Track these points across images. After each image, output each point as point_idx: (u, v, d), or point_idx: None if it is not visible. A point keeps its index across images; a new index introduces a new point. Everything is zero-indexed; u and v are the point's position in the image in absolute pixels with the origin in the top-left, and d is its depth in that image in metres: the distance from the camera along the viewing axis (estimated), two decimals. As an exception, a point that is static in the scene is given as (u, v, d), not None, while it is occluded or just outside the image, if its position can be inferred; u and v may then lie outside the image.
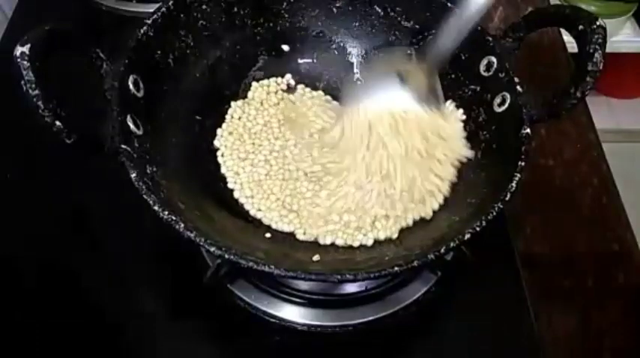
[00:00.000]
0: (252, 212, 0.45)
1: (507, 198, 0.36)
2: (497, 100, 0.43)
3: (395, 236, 0.43)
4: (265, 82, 0.52)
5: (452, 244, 0.34)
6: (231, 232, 0.42)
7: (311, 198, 0.45)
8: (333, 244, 0.43)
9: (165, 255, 0.48)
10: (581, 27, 0.37)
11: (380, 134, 0.45)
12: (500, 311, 0.47)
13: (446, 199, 0.45)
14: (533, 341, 0.45)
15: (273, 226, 0.44)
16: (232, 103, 0.50)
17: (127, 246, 0.48)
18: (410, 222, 0.44)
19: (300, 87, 0.52)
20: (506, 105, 0.42)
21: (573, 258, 0.51)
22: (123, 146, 0.36)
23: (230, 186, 0.46)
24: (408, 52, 0.47)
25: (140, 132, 0.39)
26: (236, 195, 0.46)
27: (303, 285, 0.45)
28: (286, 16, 0.51)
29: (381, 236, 0.43)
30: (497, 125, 0.43)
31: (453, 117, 0.47)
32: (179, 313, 0.46)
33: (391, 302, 0.45)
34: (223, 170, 0.47)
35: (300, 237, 0.43)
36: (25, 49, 0.32)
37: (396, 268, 0.33)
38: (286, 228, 0.43)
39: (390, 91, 0.45)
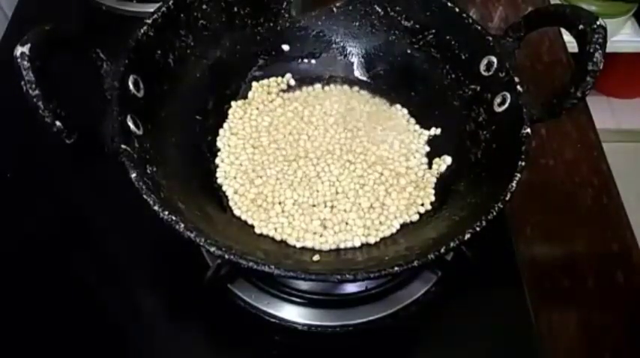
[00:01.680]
0: (243, 217, 0.44)
1: (507, 198, 0.36)
2: (498, 100, 0.43)
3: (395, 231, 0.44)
4: (265, 81, 0.52)
5: (452, 244, 0.34)
6: (231, 232, 0.42)
7: (309, 204, 0.45)
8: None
9: (165, 255, 0.48)
10: (581, 27, 0.37)
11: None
12: (500, 311, 0.47)
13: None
14: (533, 341, 0.45)
15: (265, 233, 0.43)
16: (233, 103, 0.50)
17: (127, 245, 0.48)
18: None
19: (300, 87, 0.52)
20: (507, 105, 0.42)
21: (573, 258, 0.51)
22: (123, 146, 0.36)
23: (224, 188, 0.46)
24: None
25: (140, 132, 0.39)
26: (229, 195, 0.46)
27: (304, 285, 0.45)
28: (286, 15, 0.51)
29: (380, 235, 0.44)
30: (498, 125, 0.43)
31: None
32: (179, 313, 0.46)
33: (391, 302, 0.45)
34: (223, 170, 0.47)
35: (294, 243, 0.43)
36: (25, 49, 0.32)
37: (396, 268, 0.33)
38: (277, 237, 0.43)
39: None
